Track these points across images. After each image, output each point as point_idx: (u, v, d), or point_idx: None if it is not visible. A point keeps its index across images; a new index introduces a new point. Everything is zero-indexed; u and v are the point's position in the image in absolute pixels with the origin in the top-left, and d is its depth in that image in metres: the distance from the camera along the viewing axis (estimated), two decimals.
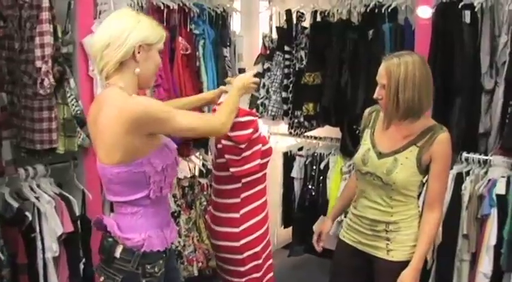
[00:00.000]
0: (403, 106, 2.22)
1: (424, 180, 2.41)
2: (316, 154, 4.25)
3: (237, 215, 2.62)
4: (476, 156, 3.24)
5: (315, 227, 4.32)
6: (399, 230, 2.38)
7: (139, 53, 1.98)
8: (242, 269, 2.64)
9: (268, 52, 4.29)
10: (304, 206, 4.27)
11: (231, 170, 2.55)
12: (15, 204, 2.72)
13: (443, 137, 2.28)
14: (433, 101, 3.26)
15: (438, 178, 2.32)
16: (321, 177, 4.14)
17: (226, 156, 2.54)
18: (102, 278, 2.09)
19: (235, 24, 4.25)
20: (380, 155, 2.37)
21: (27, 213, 2.69)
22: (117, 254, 2.04)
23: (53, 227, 2.78)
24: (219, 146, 2.59)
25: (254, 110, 2.98)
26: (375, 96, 2.33)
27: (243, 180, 2.59)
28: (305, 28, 4.14)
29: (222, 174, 2.64)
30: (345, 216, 2.68)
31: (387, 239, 2.39)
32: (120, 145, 1.94)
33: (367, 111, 2.57)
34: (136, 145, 1.95)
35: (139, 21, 1.99)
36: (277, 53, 4.20)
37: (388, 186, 2.34)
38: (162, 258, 2.11)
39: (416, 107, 2.23)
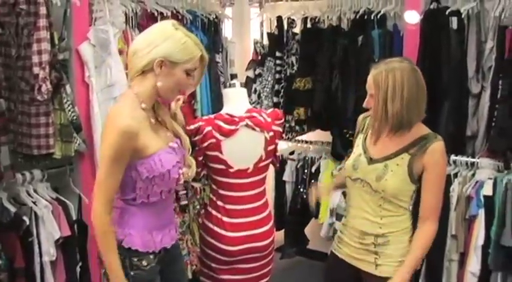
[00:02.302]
0: (391, 118, 2.16)
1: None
2: (307, 158, 4.30)
3: (269, 210, 2.78)
4: (464, 158, 3.29)
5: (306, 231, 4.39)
6: (388, 244, 2.29)
7: (161, 68, 2.01)
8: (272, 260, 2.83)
9: (259, 58, 4.35)
10: (295, 208, 4.30)
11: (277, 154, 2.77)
12: (13, 209, 2.74)
13: (436, 146, 2.21)
14: None
15: (431, 189, 2.22)
16: (312, 181, 4.17)
17: (276, 140, 2.70)
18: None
19: (227, 30, 4.31)
20: (371, 161, 2.30)
21: (24, 217, 2.72)
22: None
23: (50, 231, 2.81)
24: (271, 134, 2.68)
25: None
26: (364, 105, 2.30)
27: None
28: (296, 34, 4.20)
29: (262, 176, 2.75)
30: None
31: (375, 253, 2.31)
32: None
33: (361, 116, 2.51)
34: None
35: (169, 37, 2.01)
36: (269, 58, 4.26)
37: (378, 194, 2.26)
38: (153, 254, 2.15)
39: (405, 119, 2.16)
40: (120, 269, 2.07)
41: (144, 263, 2.12)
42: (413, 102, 2.16)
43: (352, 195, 2.40)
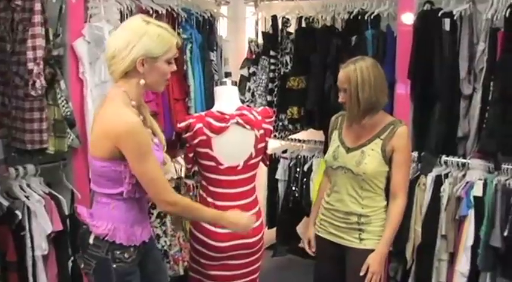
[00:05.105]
0: (363, 104, 2.50)
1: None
2: (300, 156, 4.32)
3: (258, 207, 2.82)
4: (455, 159, 3.34)
5: (298, 229, 4.41)
6: (370, 222, 2.61)
7: (143, 65, 2.03)
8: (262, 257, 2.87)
9: (254, 56, 4.37)
10: (288, 207, 4.32)
11: (268, 152, 2.83)
12: (6, 203, 2.75)
13: (401, 130, 2.56)
14: (413, 105, 3.43)
15: (399, 168, 2.57)
16: (305, 179, 4.20)
17: (267, 138, 2.76)
18: (82, 265, 2.20)
19: (222, 29, 4.31)
20: (348, 150, 2.63)
21: (17, 211, 2.73)
22: (91, 240, 2.15)
23: (42, 226, 2.82)
24: (261, 131, 2.69)
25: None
26: (339, 100, 2.60)
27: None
28: (290, 33, 4.22)
29: (252, 174, 2.78)
30: None
31: (359, 230, 2.61)
32: (101, 143, 2.06)
33: (334, 116, 2.85)
34: (113, 148, 2.03)
35: (143, 34, 2.01)
36: (263, 57, 4.28)
37: (359, 177, 2.57)
38: (134, 247, 2.19)
39: (374, 103, 2.52)
40: (215, 212, 2.40)
41: (126, 255, 2.16)
42: (379, 87, 2.53)
43: (335, 182, 2.70)
